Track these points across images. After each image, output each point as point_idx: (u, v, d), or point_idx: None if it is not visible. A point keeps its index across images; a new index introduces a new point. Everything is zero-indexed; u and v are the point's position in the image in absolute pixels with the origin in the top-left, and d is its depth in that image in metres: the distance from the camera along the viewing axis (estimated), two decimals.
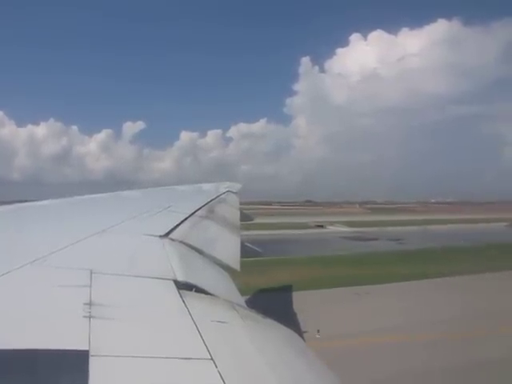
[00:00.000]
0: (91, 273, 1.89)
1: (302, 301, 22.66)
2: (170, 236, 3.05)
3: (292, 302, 22.79)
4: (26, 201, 6.01)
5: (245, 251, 4.77)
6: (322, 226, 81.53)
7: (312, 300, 23.61)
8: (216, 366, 1.26)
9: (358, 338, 18.30)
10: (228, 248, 3.91)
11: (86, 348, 1.23)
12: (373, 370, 14.80)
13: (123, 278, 1.96)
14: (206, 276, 2.61)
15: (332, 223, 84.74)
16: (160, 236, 2.97)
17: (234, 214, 6.73)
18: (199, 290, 1.99)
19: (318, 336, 17.38)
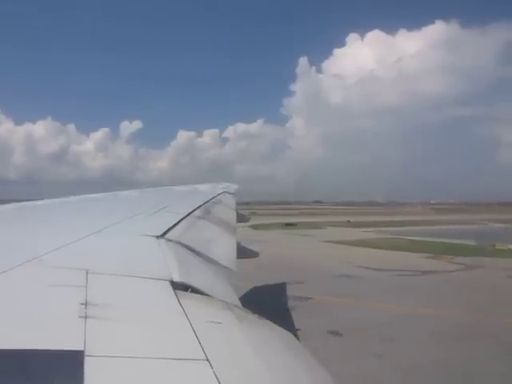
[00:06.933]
0: (87, 273, 1.88)
1: None
2: (167, 236, 3.04)
3: None
4: (22, 200, 5.99)
5: (241, 252, 4.77)
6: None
7: None
8: (211, 367, 1.26)
9: None
10: (224, 249, 3.91)
11: (82, 348, 1.22)
12: None
13: (119, 279, 1.96)
14: (202, 277, 2.61)
15: (482, 221, 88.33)
16: (156, 236, 2.96)
17: (230, 215, 6.73)
18: (195, 291, 1.99)
19: None
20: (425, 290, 24.06)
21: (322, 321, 17.92)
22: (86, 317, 1.43)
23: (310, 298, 21.59)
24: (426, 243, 45.89)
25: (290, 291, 22.62)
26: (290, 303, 20.67)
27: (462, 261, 34.08)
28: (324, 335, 16.19)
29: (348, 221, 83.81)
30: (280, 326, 1.98)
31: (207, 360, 1.29)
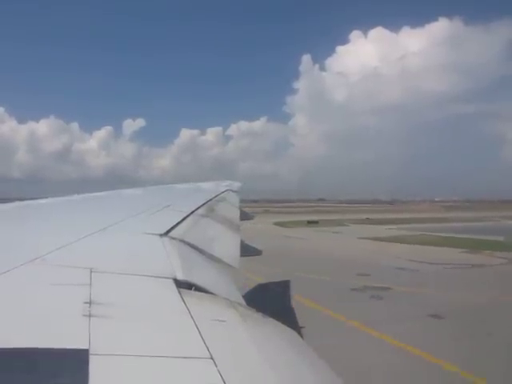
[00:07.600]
0: (91, 271, 1.88)
1: None
2: (170, 234, 3.04)
3: None
4: (25, 199, 6.01)
5: (245, 250, 4.76)
6: None
7: None
8: (216, 365, 1.25)
9: None
10: (228, 247, 3.91)
11: (86, 347, 1.22)
12: None
13: (123, 277, 1.96)
14: (206, 275, 2.61)
15: (494, 217, 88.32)
16: (160, 235, 2.96)
17: (233, 213, 6.73)
18: (199, 289, 1.99)
19: None
20: (488, 281, 24.10)
21: (415, 307, 18.49)
22: (90, 315, 1.43)
23: (388, 288, 21.89)
24: (456, 239, 45.58)
25: (364, 282, 23.22)
26: (373, 292, 21.07)
27: (503, 255, 33.84)
28: (428, 318, 16.69)
29: (367, 218, 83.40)
30: (284, 324, 1.98)
31: (211, 358, 1.29)
